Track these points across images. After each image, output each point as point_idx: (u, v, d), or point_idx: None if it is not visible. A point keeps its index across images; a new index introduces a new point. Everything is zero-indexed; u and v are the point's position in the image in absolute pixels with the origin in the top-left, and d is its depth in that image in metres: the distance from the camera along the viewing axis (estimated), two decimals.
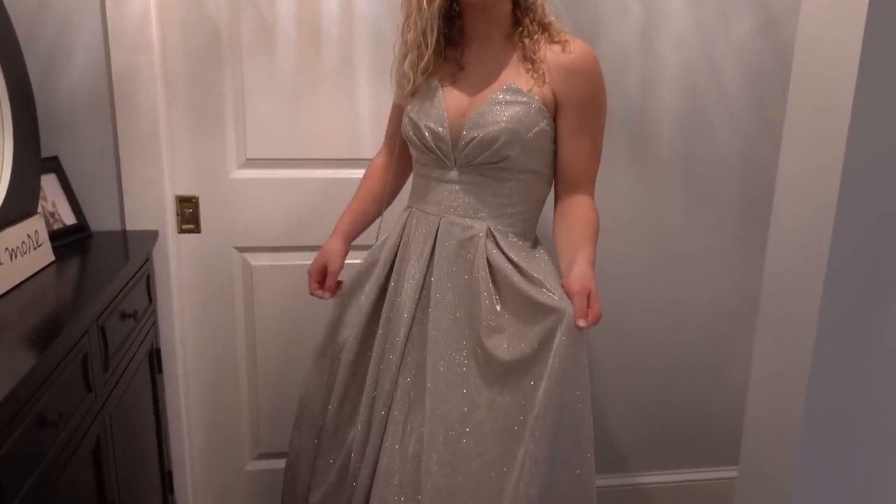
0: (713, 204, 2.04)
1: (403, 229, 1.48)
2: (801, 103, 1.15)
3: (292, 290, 1.95)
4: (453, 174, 1.39)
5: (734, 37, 1.92)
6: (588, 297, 1.22)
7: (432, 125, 1.38)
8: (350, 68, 1.84)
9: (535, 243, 1.45)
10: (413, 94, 1.41)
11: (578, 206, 1.37)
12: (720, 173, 2.02)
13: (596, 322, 1.22)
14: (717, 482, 2.21)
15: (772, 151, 1.99)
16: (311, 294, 1.57)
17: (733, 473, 2.21)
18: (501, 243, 1.36)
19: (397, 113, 1.53)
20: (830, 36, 1.04)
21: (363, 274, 1.54)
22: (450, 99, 1.38)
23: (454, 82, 1.40)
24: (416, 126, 1.40)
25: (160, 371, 1.82)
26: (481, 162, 1.34)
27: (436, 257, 1.39)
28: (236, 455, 2.04)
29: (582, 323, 1.20)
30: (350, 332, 1.52)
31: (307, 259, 1.92)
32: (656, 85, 1.93)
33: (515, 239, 1.39)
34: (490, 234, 1.37)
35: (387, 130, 1.62)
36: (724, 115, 1.97)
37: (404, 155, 1.57)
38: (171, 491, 1.90)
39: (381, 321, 1.46)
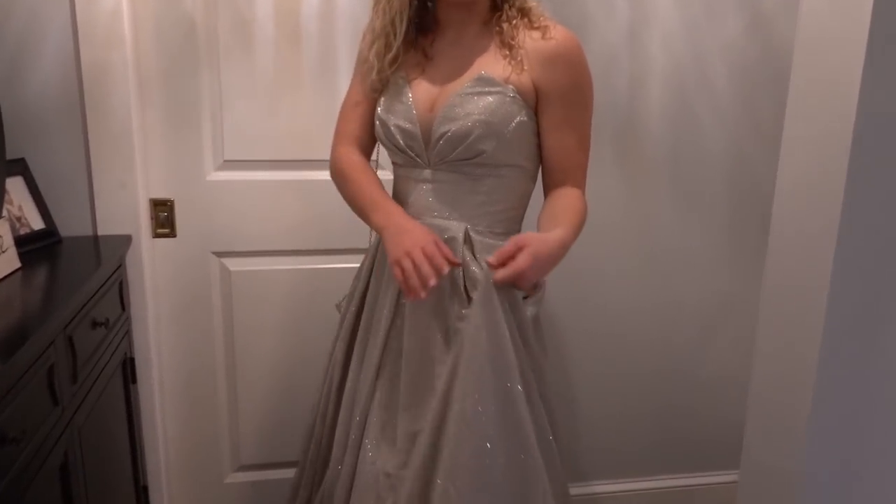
0: (702, 202, 2.00)
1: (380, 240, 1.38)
2: (803, 89, 1.11)
3: (272, 296, 1.89)
4: (427, 173, 1.29)
5: (722, 34, 1.89)
6: (520, 249, 1.09)
7: (401, 123, 1.29)
8: (331, 66, 1.78)
9: None
10: (381, 86, 1.32)
11: (565, 194, 1.29)
12: (708, 172, 1.98)
13: (513, 275, 1.07)
14: (710, 487, 2.17)
15: (760, 149, 1.98)
16: (437, 269, 1.14)
17: (728, 478, 2.19)
18: (478, 249, 1.27)
19: (362, 108, 1.37)
20: (836, 21, 1.00)
21: (350, 294, 1.44)
22: (418, 92, 1.29)
23: (422, 74, 1.30)
24: (385, 126, 1.31)
25: (134, 381, 1.75)
26: (455, 158, 1.25)
27: None
28: (215, 468, 1.96)
29: (492, 259, 1.09)
30: (336, 357, 1.42)
31: (288, 264, 1.88)
32: (644, 83, 1.89)
33: (496, 240, 1.29)
34: (468, 237, 1.27)
35: (341, 128, 1.40)
36: (712, 113, 1.94)
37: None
38: None
39: (358, 340, 1.36)
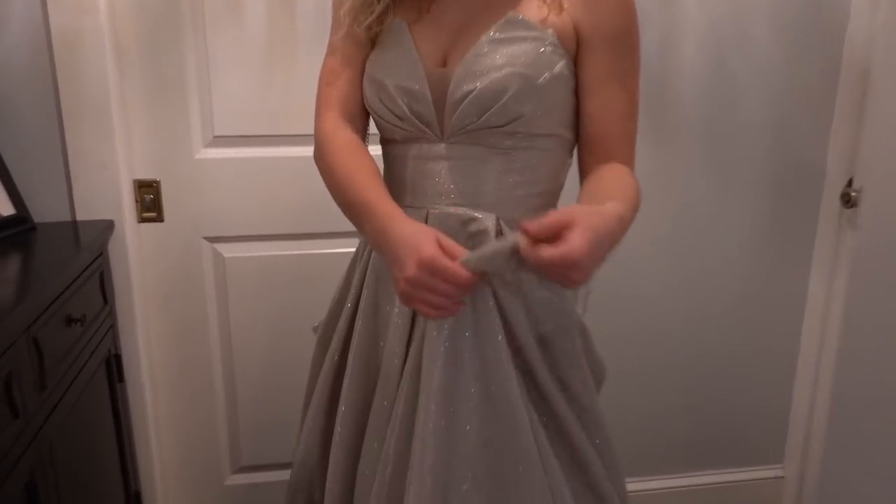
0: (741, 175, 1.81)
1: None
2: None
3: (271, 283, 1.73)
4: (440, 148, 1.01)
5: None
6: (568, 225, 0.77)
7: (404, 82, 1.00)
8: (329, 30, 1.60)
9: None
10: (368, 39, 1.05)
11: (611, 169, 1.00)
12: (748, 141, 1.79)
13: (562, 259, 0.76)
14: (747, 483, 2.02)
15: (807, 115, 1.79)
16: (463, 286, 0.85)
17: (766, 473, 2.03)
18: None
19: (348, 67, 1.08)
20: None
21: (332, 315, 1.17)
22: (424, 41, 1.01)
23: (427, 17, 1.02)
24: (381, 88, 1.02)
25: (121, 380, 1.61)
26: (482, 126, 0.97)
27: None
28: (214, 469, 1.83)
29: (530, 226, 0.77)
30: (316, 400, 1.15)
31: (285, 249, 1.72)
32: (676, 41, 1.70)
33: None
34: (500, 231, 1.00)
35: (324, 97, 1.09)
36: (752, 75, 1.75)
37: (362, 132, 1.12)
38: None
39: (350, 387, 1.08)
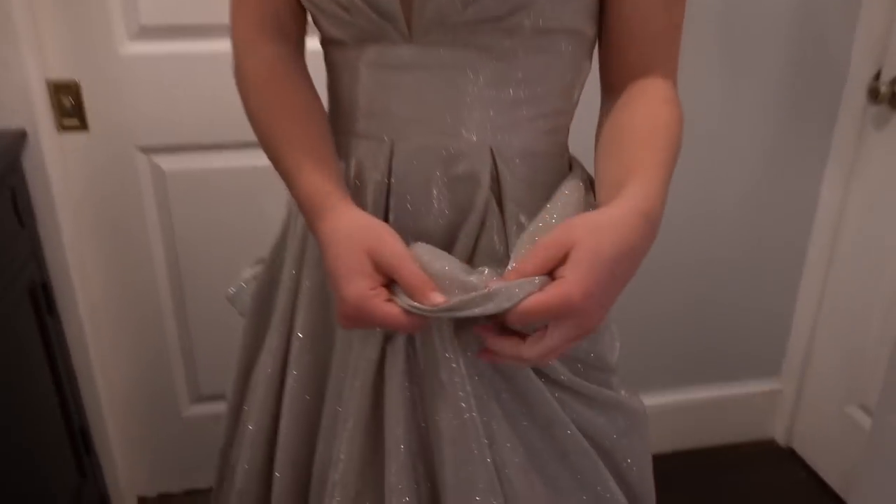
0: (755, 63, 1.58)
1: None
2: None
3: (219, 199, 1.53)
4: (408, 52, 0.71)
5: None
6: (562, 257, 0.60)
7: None
8: None
9: (570, 166, 0.81)
10: None
11: (644, 97, 0.74)
12: (764, 26, 1.55)
13: (558, 306, 0.58)
14: (738, 397, 1.92)
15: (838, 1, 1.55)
16: (405, 329, 0.66)
17: (759, 387, 1.93)
18: (509, 199, 0.74)
19: None
20: None
21: (263, 290, 0.94)
22: None
23: None
24: None
25: (52, 312, 1.43)
26: (470, 19, 0.67)
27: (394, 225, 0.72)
28: (170, 401, 1.69)
29: (527, 264, 0.61)
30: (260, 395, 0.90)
31: (234, 160, 1.50)
32: None
33: (542, 163, 0.77)
34: (496, 174, 0.73)
35: None
36: None
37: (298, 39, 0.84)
38: (88, 451, 1.56)
39: (299, 362, 0.85)
